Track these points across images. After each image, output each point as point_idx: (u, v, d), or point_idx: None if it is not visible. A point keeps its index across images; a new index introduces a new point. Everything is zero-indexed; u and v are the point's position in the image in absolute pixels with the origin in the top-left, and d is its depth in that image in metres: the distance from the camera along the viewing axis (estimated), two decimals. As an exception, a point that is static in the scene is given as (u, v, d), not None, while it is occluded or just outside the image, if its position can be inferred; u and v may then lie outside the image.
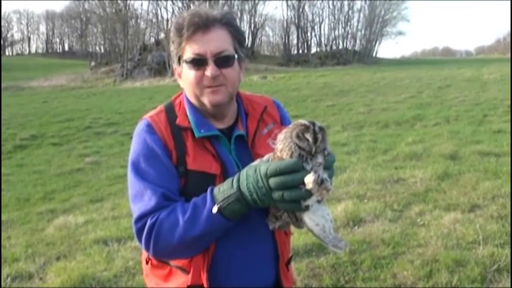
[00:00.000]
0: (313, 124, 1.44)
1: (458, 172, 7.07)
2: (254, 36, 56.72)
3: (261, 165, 1.47)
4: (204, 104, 1.69)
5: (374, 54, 56.95)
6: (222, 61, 1.66)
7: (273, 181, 1.43)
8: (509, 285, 3.71)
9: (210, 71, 1.64)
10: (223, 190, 1.53)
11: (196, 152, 1.65)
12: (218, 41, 1.65)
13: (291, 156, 1.42)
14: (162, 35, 49.54)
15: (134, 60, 45.68)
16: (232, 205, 1.50)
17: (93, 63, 53.77)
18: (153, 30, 55.07)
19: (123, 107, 21.73)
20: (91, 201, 7.80)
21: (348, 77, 29.54)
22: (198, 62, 1.65)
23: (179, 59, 1.70)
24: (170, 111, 1.73)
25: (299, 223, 1.54)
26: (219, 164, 1.65)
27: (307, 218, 1.47)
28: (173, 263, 1.69)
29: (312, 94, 20.26)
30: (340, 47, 54.60)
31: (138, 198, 1.60)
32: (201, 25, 1.64)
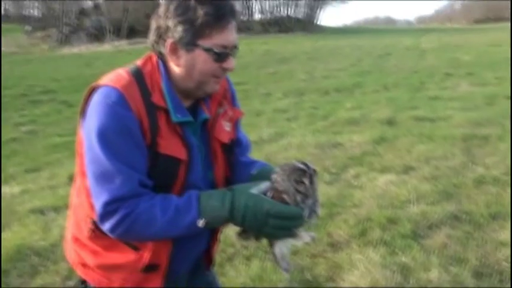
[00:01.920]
0: (308, 167, 1.52)
1: (394, 136, 7.28)
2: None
3: (264, 201, 1.50)
4: (201, 90, 1.63)
5: (317, 22, 57.13)
6: (234, 54, 1.62)
7: (272, 221, 1.48)
8: (439, 240, 3.89)
9: (230, 64, 1.60)
10: (213, 206, 1.51)
11: (168, 135, 1.57)
12: (235, 32, 1.60)
13: (292, 200, 1.50)
14: (100, -1, 48.02)
15: (71, 25, 44.06)
16: (219, 223, 1.54)
17: (28, 28, 51.56)
18: (91, -6, 53.29)
19: (60, 74, 21.03)
20: (27, 171, 7.59)
21: (290, 44, 29.60)
22: (223, 55, 1.58)
23: (191, 41, 1.55)
24: (142, 84, 1.57)
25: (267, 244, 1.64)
26: (187, 149, 1.60)
27: (277, 246, 1.58)
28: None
29: (254, 61, 20.25)
30: (283, 14, 54.46)
31: (107, 179, 1.49)
32: (230, 14, 1.57)
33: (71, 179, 6.45)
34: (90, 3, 49.32)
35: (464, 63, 16.73)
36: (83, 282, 1.77)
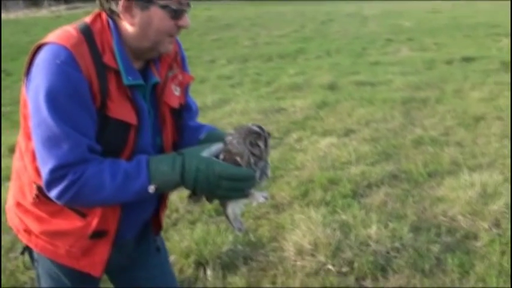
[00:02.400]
0: (263, 131, 1.53)
1: (336, 101, 7.38)
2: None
3: (214, 163, 1.48)
4: (155, 50, 1.56)
5: (260, -11, 56.73)
6: (188, 10, 1.55)
7: (225, 183, 1.47)
8: (378, 198, 4.00)
9: (186, 21, 1.54)
10: (163, 171, 1.47)
11: (118, 98, 1.50)
12: None
13: (246, 162, 1.50)
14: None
15: (7, -10, 42.13)
16: (170, 188, 1.52)
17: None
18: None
19: (-5, 42, 20.25)
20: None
21: (233, 10, 29.30)
22: (179, 11, 1.51)
23: None
24: (91, 43, 1.47)
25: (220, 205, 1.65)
26: (137, 114, 1.54)
27: (230, 207, 1.60)
28: None
29: (198, 28, 19.95)
30: (226, -19, 53.85)
31: (54, 144, 1.42)
32: None
33: (11, 150, 6.26)
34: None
35: (405, 29, 16.99)
36: (27, 248, 1.73)
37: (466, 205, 3.78)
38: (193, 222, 3.82)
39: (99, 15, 1.55)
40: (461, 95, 7.43)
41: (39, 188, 1.56)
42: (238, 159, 1.50)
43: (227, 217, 1.63)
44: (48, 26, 23.71)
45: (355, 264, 3.14)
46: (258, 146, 1.53)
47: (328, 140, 5.46)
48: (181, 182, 1.49)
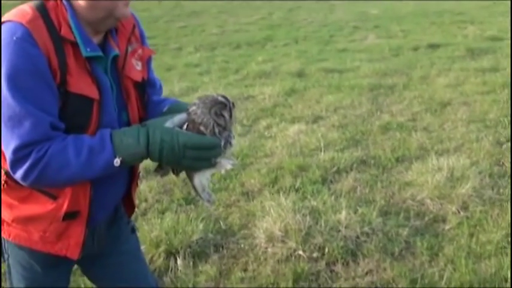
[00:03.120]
0: (228, 101, 1.52)
1: (304, 88, 7.39)
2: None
3: (179, 133, 1.46)
4: (112, 18, 1.51)
5: (227, -23, 56.48)
6: None
7: (190, 153, 1.46)
8: (348, 184, 4.02)
9: None
10: (127, 144, 1.45)
11: (78, 73, 1.47)
12: None
13: (210, 132, 1.49)
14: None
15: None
16: (136, 160, 1.50)
17: None
18: None
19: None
20: None
21: (200, -2, 29.14)
22: None
23: None
24: (47, 18, 1.44)
25: (186, 176, 1.63)
26: (98, 87, 1.51)
27: (197, 177, 1.58)
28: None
29: (164, 15, 19.74)
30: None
31: (16, 123, 1.38)
32: None
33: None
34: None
35: (371, 16, 17.10)
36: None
37: (434, 189, 3.82)
38: (162, 212, 3.78)
39: None
40: (427, 81, 7.51)
41: (7, 173, 1.52)
42: (202, 128, 1.49)
43: (195, 189, 1.62)
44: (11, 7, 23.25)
45: (326, 250, 3.15)
46: (223, 116, 1.51)
47: (297, 127, 5.46)
48: (147, 154, 1.47)
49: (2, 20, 1.44)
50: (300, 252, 3.15)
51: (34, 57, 1.39)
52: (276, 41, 13.00)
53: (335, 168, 4.32)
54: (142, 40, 1.74)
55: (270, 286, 2.95)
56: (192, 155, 1.47)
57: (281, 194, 3.78)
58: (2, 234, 1.64)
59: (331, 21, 16.68)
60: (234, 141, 1.60)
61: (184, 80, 8.52)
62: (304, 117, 5.90)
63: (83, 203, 1.58)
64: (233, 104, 1.54)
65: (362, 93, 6.90)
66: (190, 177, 1.60)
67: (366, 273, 3.00)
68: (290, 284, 2.93)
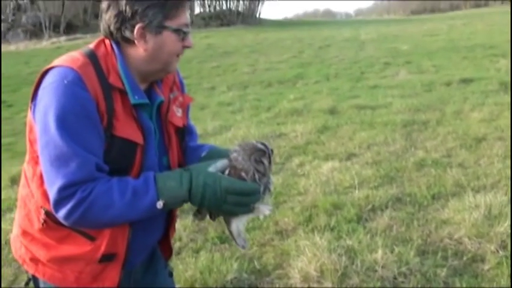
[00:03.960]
0: (267, 148, 1.58)
1: (337, 125, 7.39)
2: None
3: (221, 178, 1.51)
4: (164, 71, 1.63)
5: (257, 15, 57.29)
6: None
7: (231, 198, 1.50)
8: (383, 222, 3.97)
9: (190, 41, 1.62)
10: (170, 187, 1.49)
11: (124, 118, 1.53)
12: None
13: (250, 178, 1.54)
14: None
15: (8, 22, 42.31)
16: (178, 204, 1.53)
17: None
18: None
19: (-4, 74, 20.35)
20: (-35, 174, 7.31)
21: (232, 38, 29.53)
22: (186, 32, 1.59)
23: (160, 23, 1.54)
24: (97, 65, 1.53)
25: (223, 221, 1.69)
26: (142, 133, 1.57)
27: (234, 223, 1.64)
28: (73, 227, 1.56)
29: (197, 56, 20.10)
30: (224, 7, 54.31)
31: (62, 163, 1.42)
32: None
33: (12, 181, 6.25)
34: (25, -1, 47.40)
35: (402, 52, 17.10)
36: (33, 279, 1.70)
37: (472, 227, 3.74)
38: (197, 251, 3.79)
39: (102, 41, 1.61)
40: (461, 116, 7.43)
41: (47, 213, 1.56)
42: (243, 174, 1.53)
43: (231, 233, 1.66)
44: (48, 56, 23.89)
45: (363, 290, 3.10)
46: (263, 162, 1.57)
47: (330, 164, 5.44)
48: (189, 197, 1.51)
49: (52, 65, 1.52)
50: (336, 292, 3.11)
51: (83, 100, 1.45)
52: (307, 79, 13.09)
53: (370, 206, 4.28)
54: (182, 88, 1.81)
55: (306, 327, 2.91)
56: (233, 200, 1.51)
57: (316, 233, 3.75)
58: (37, 274, 1.65)
59: (362, 57, 16.74)
60: (272, 187, 1.64)
61: (217, 118, 8.62)
62: (338, 155, 5.88)
63: (120, 246, 1.60)
64: (272, 150, 1.59)
65: (395, 129, 6.86)
66: (228, 222, 1.65)
67: (405, 315, 2.94)
68: (327, 326, 2.88)
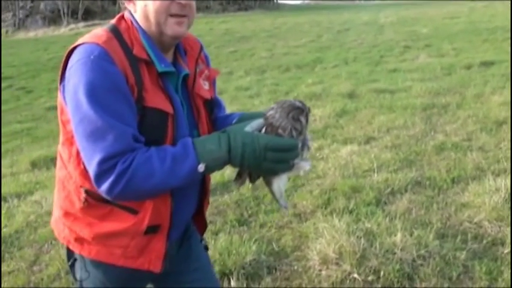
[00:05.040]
0: (305, 106, 1.57)
1: (355, 109, 7.36)
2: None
3: (259, 136, 1.49)
4: (164, 34, 1.57)
5: (275, 0, 57.00)
6: None
7: (271, 155, 1.48)
8: (402, 206, 3.96)
9: None
10: (210, 150, 1.48)
11: (152, 89, 1.53)
12: None
13: (288, 135, 1.53)
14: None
15: (26, 9, 42.52)
16: (218, 166, 1.51)
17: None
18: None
19: (16, 60, 20.54)
20: (-13, 159, 7.43)
21: (249, 22, 29.46)
22: None
23: None
24: (121, 39, 1.52)
25: (263, 183, 1.68)
26: (170, 103, 1.56)
27: (275, 182, 1.63)
28: (119, 202, 1.56)
29: (215, 40, 20.11)
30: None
31: (99, 137, 1.42)
32: None
33: (33, 165, 6.35)
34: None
35: (422, 35, 16.94)
36: (79, 258, 1.71)
37: (492, 211, 3.72)
38: (216, 233, 3.81)
39: (122, 16, 1.63)
40: (482, 99, 7.35)
41: (87, 192, 1.57)
42: (280, 131, 1.52)
43: (273, 194, 1.66)
44: (67, 43, 24.00)
45: (381, 273, 3.09)
46: (300, 120, 1.55)
47: (349, 148, 5.43)
48: (228, 159, 1.49)
49: (77, 43, 1.52)
50: (355, 275, 3.11)
51: (112, 74, 1.45)
52: (326, 63, 13.03)
53: (389, 190, 4.26)
54: (207, 62, 1.82)
55: (325, 309, 2.92)
56: (273, 157, 1.48)
57: (334, 216, 3.75)
58: (83, 253, 1.66)
59: (381, 41, 16.61)
60: (311, 144, 1.65)
61: (235, 103, 8.62)
62: (357, 138, 5.86)
63: (164, 216, 1.62)
64: (309, 109, 1.58)
65: (415, 113, 6.81)
66: (269, 183, 1.64)
67: (423, 297, 2.94)
68: (345, 307, 2.89)
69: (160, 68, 1.54)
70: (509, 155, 4.92)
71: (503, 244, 3.40)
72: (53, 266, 3.57)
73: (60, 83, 1.53)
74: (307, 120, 1.58)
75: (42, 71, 16.85)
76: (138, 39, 1.55)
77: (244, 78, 11.69)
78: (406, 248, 3.27)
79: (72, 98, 1.45)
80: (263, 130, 1.54)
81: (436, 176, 4.50)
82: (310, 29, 23.06)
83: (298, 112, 1.55)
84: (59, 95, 1.55)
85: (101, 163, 1.42)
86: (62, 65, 1.53)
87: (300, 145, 1.56)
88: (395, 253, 3.24)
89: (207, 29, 25.99)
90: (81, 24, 35.31)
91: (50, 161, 6.41)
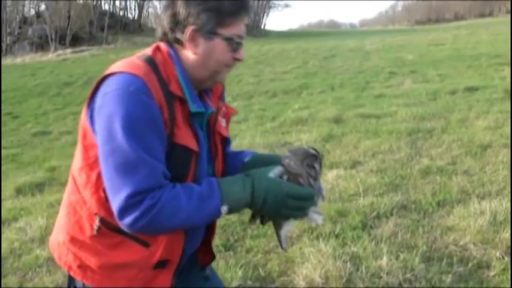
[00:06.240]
0: (318, 153, 1.63)
1: (342, 134, 7.40)
2: (141, 8, 54.95)
3: (282, 183, 1.54)
4: (213, 80, 1.63)
5: (263, 27, 57.56)
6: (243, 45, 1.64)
7: (291, 202, 1.53)
8: (388, 229, 3.96)
9: (242, 55, 1.61)
10: (234, 191, 1.51)
11: (183, 126, 1.54)
12: None
13: (306, 183, 1.58)
14: (43, 7, 46.66)
15: (14, 35, 42.61)
16: (240, 208, 1.53)
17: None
18: (32, 1, 51.70)
19: (3, 85, 20.44)
20: (-29, 184, 7.35)
21: (237, 49, 29.68)
22: (238, 43, 1.58)
23: (212, 29, 1.54)
24: (158, 73, 1.52)
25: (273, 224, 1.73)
26: (197, 141, 1.57)
27: (285, 227, 1.68)
28: (133, 234, 1.54)
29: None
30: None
31: (130, 170, 1.41)
32: (249, 6, 1.60)
33: (17, 191, 6.28)
34: (32, 12, 47.79)
35: (407, 62, 17.14)
36: (75, 286, 1.67)
37: (477, 234, 3.73)
38: (202, 259, 3.78)
39: (157, 47, 1.60)
40: (466, 124, 7.42)
41: (101, 220, 1.55)
42: (300, 180, 1.57)
43: (279, 237, 1.71)
44: (54, 68, 24.08)
45: (368, 297, 3.09)
46: (314, 167, 1.61)
47: (335, 173, 5.44)
48: (250, 202, 1.52)
49: (113, 71, 1.51)
50: (341, 299, 3.10)
51: (150, 108, 1.44)
52: (312, 89, 13.12)
53: (375, 213, 4.27)
54: (223, 98, 1.82)
55: (311, 334, 2.90)
56: (292, 205, 1.53)
57: (320, 240, 3.75)
58: (85, 281, 1.63)
59: (367, 67, 16.78)
60: (324, 193, 1.69)
61: (222, 128, 8.62)
62: (342, 163, 5.88)
63: (176, 252, 1.61)
64: (322, 155, 1.65)
65: (400, 137, 6.86)
66: (279, 226, 1.68)
67: (410, 321, 2.93)
68: (331, 332, 2.87)
69: (193, 108, 1.55)
70: (493, 178, 4.96)
71: (488, 267, 3.41)
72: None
73: (88, 107, 1.52)
74: (320, 167, 1.64)
75: (29, 96, 16.82)
76: (174, 75, 1.55)
77: (231, 104, 11.65)
78: (392, 271, 3.27)
79: (104, 127, 1.44)
80: (285, 177, 1.57)
81: (422, 200, 4.52)
82: (297, 55, 23.26)
83: (313, 159, 1.61)
84: (85, 119, 1.54)
85: (129, 197, 1.41)
86: (92, 89, 1.52)
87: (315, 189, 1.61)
88: (381, 277, 3.24)
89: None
90: (69, 50, 35.36)
91: (35, 187, 6.36)
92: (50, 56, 33.73)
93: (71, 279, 1.69)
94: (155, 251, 1.57)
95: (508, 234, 3.66)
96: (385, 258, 3.38)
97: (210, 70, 1.58)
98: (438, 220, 4.13)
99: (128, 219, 1.43)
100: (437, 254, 3.59)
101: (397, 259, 3.42)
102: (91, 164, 1.52)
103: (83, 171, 1.56)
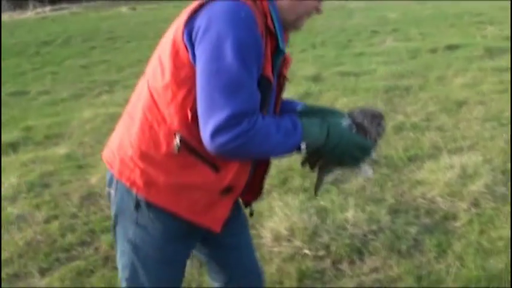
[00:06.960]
0: (383, 115, 1.77)
1: (319, 91, 7.35)
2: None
3: (354, 135, 1.66)
4: (294, 27, 1.71)
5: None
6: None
7: (355, 152, 1.64)
8: (357, 183, 3.97)
9: (322, 7, 1.71)
10: (314, 132, 1.59)
11: (268, 60, 1.58)
12: None
13: (373, 138, 1.71)
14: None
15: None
16: (313, 148, 1.62)
17: None
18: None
19: (-20, 46, 20.09)
20: None
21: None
22: None
23: None
24: (258, 7, 1.58)
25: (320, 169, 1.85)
26: (273, 75, 1.62)
27: (332, 174, 1.87)
28: (207, 156, 1.55)
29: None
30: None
31: (234, 91, 1.45)
32: None
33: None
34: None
35: (390, 20, 16.98)
36: (138, 202, 1.64)
37: (445, 187, 3.76)
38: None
39: None
40: (444, 81, 7.41)
41: (181, 139, 1.55)
42: (367, 135, 1.70)
43: (319, 182, 1.85)
44: (33, 27, 23.61)
45: (332, 248, 3.12)
46: (382, 126, 1.75)
47: (310, 129, 5.42)
48: (324, 144, 1.61)
49: None
50: (306, 250, 3.13)
51: (258, 36, 1.50)
52: (293, 47, 12.97)
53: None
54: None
55: (276, 285, 2.92)
56: (356, 155, 1.66)
57: (289, 195, 3.75)
58: (149, 197, 1.62)
59: (350, 26, 16.62)
60: (375, 155, 1.83)
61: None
62: (317, 120, 5.86)
63: (241, 180, 1.67)
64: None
65: (377, 95, 6.83)
66: (328, 172, 1.83)
67: (372, 271, 2.96)
68: (295, 283, 2.90)
69: (282, 45, 1.60)
70: (466, 134, 4.97)
71: (454, 218, 3.46)
72: (5, 251, 3.51)
73: (185, 26, 1.52)
74: (383, 128, 1.77)
75: (7, 55, 16.49)
76: (269, 11, 1.59)
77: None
78: (357, 223, 3.30)
79: (212, 47, 1.46)
80: (354, 130, 1.69)
81: (393, 155, 4.53)
82: (280, 15, 23.02)
83: (380, 119, 1.74)
84: (181, 36, 1.52)
85: (230, 117, 1.44)
86: (193, 9, 1.53)
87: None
88: (346, 229, 3.27)
89: (176, 14, 25.62)
90: (48, 8, 34.55)
91: (10, 146, 6.28)
92: (29, 14, 32.97)
93: (129, 194, 1.65)
94: (224, 176, 1.60)
95: (476, 187, 3.68)
96: (351, 211, 3.40)
97: (297, 14, 1.66)
98: (408, 174, 4.15)
99: (221, 139, 1.45)
100: (405, 206, 3.63)
101: (363, 211, 3.44)
102: (179, 81, 1.53)
103: (168, 89, 1.55)
